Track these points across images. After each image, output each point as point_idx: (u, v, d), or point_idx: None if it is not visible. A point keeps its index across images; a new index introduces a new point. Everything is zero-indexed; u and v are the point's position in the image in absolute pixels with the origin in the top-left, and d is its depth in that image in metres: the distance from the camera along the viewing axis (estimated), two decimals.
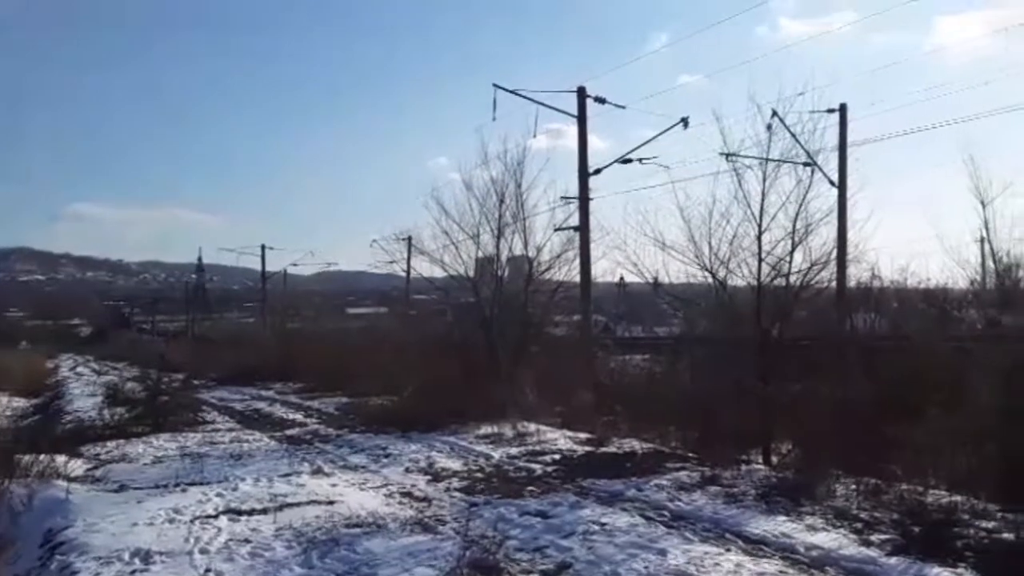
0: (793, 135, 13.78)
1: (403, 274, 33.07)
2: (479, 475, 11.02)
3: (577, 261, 20.50)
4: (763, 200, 13.29)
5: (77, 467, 11.86)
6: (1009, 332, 10.58)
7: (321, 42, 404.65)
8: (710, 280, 14.03)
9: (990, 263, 13.25)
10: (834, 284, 15.43)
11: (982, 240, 13.27)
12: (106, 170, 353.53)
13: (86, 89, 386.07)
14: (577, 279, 20.81)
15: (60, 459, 11.73)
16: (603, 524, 8.08)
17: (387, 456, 12.72)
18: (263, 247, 56.20)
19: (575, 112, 21.54)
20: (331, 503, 9.40)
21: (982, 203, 12.17)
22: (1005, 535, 7.17)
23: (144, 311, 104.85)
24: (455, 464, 11.83)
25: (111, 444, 14.29)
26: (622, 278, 25.43)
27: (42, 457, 11.30)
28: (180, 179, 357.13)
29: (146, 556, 7.33)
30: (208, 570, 6.96)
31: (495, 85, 20.94)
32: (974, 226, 12.76)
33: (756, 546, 7.30)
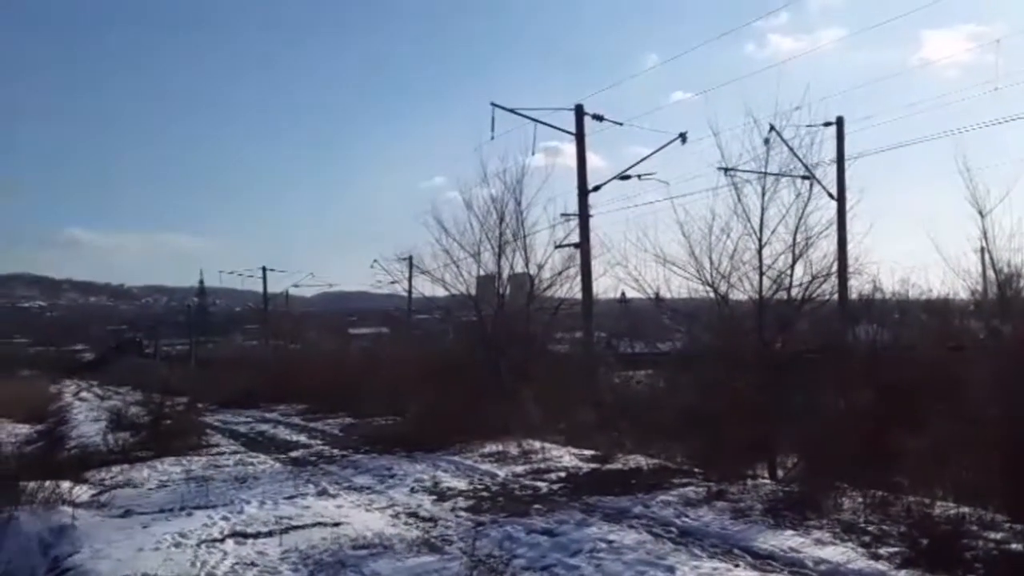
0: (791, 149, 13.80)
1: (404, 294, 33.11)
2: (485, 494, 11.00)
3: (578, 278, 20.53)
4: (763, 214, 13.29)
5: (82, 493, 11.85)
6: (1011, 342, 10.56)
7: (318, 68, 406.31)
8: (712, 295, 14.02)
9: (990, 273, 13.23)
10: (835, 296, 15.39)
11: (982, 250, 13.28)
12: (103, 195, 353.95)
13: (79, 112, 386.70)
14: (579, 296, 20.81)
15: (65, 485, 11.72)
16: (610, 541, 8.06)
17: (392, 476, 12.71)
18: (264, 269, 56.31)
19: (572, 130, 21.65)
20: (337, 525, 9.39)
21: (980, 213, 12.19)
22: (1013, 546, 7.16)
23: (147, 336, 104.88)
24: (460, 483, 11.82)
25: (116, 469, 14.28)
26: (623, 294, 25.37)
27: (47, 483, 11.30)
28: (179, 204, 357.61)
29: None
30: None
31: (493, 104, 21.05)
32: (973, 236, 12.78)
33: (764, 561, 7.29)
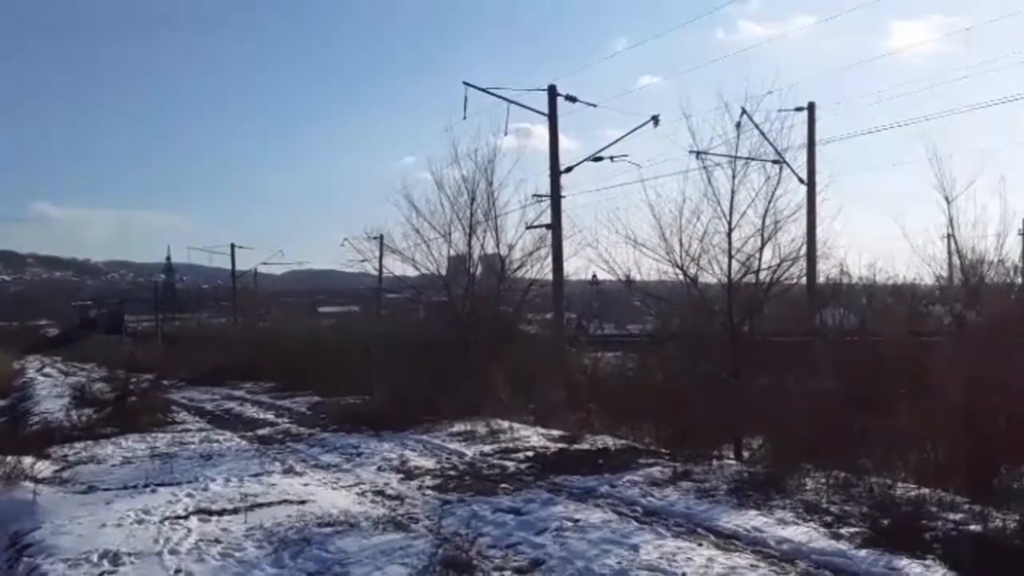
0: (762, 132, 13.85)
1: (375, 273, 32.91)
2: (452, 473, 11.00)
3: (549, 259, 20.56)
4: (733, 197, 13.35)
5: (44, 468, 11.69)
6: (974, 328, 10.73)
7: (287, 44, 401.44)
8: (681, 277, 14.09)
9: (956, 259, 13.46)
10: (803, 280, 15.54)
11: (948, 236, 13.51)
12: (68, 170, 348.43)
13: (47, 88, 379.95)
14: (550, 277, 20.86)
15: (27, 460, 11.54)
16: (576, 520, 8.09)
17: (359, 455, 12.66)
18: (232, 246, 55.96)
19: (545, 111, 21.59)
20: (303, 503, 9.34)
21: (947, 200, 12.43)
22: (972, 527, 7.26)
23: (112, 311, 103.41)
24: (428, 462, 11.80)
25: (79, 445, 14.10)
26: (595, 275, 25.48)
27: (8, 459, 11.13)
28: (146, 180, 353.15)
29: (115, 557, 7.26)
30: (178, 571, 6.90)
31: (465, 83, 20.91)
32: (940, 223, 13.00)
33: (728, 540, 7.35)
